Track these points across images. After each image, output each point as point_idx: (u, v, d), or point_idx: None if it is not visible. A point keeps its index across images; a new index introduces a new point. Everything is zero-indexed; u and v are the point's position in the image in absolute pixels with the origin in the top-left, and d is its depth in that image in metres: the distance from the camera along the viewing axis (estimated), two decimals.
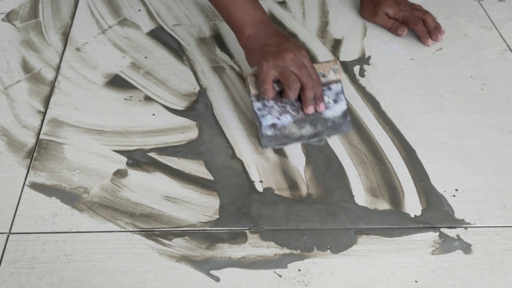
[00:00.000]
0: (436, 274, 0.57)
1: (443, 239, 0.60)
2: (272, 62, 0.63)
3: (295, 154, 0.68)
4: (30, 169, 0.65)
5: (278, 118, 0.66)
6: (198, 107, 0.73)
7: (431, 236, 0.60)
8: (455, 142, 0.71)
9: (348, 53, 0.84)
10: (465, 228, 0.61)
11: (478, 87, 0.79)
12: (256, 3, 0.70)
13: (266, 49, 0.65)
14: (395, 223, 0.61)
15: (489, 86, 0.79)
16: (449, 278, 0.57)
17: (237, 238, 0.59)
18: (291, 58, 0.63)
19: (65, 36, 0.84)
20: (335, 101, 0.68)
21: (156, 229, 0.60)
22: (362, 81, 0.79)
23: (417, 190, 0.65)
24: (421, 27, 0.85)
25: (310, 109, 0.66)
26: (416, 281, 0.56)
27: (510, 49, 0.86)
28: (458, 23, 0.91)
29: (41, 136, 0.69)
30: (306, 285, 0.56)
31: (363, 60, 0.83)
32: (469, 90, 0.79)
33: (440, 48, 0.85)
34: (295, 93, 0.64)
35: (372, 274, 0.57)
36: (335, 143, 0.70)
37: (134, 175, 0.65)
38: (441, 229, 0.61)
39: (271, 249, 0.58)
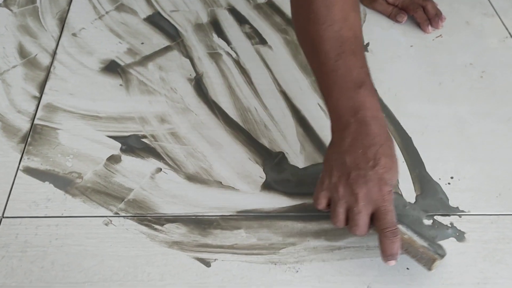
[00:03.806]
0: None
1: (436, 226, 0.60)
2: (332, 185, 0.52)
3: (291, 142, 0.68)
4: (24, 153, 0.65)
5: None
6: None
7: (425, 223, 0.60)
8: (452, 131, 0.70)
9: None
10: (459, 216, 0.61)
11: (478, 75, 0.78)
12: (364, 81, 0.54)
13: (341, 161, 0.52)
14: None
15: (489, 74, 0.78)
16: (441, 266, 0.56)
17: (230, 224, 0.59)
18: (356, 197, 0.50)
19: (62, 22, 0.83)
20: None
21: (148, 214, 0.60)
22: None
23: (412, 178, 0.64)
24: (421, 14, 0.84)
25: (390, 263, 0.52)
26: (407, 268, 0.56)
27: (511, 37, 0.85)
28: (460, 10, 0.90)
29: (36, 121, 0.69)
30: (297, 271, 0.56)
31: None
32: (469, 78, 0.78)
33: (440, 35, 0.84)
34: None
35: (364, 261, 0.56)
36: (327, 129, 0.69)
37: (128, 160, 0.65)
38: (435, 217, 0.60)
39: (263, 236, 0.58)
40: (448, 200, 0.62)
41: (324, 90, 0.56)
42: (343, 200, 0.52)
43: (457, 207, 0.61)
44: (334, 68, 0.54)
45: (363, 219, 0.51)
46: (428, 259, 0.53)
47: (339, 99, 0.53)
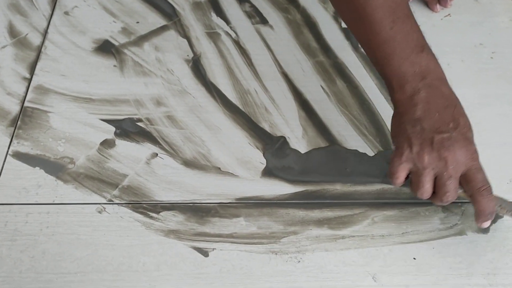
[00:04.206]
0: (436, 251, 0.54)
1: (446, 214, 0.57)
2: (415, 155, 0.50)
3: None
4: (13, 137, 0.63)
5: None
6: None
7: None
8: None
9: None
10: (470, 203, 0.58)
11: (488, 56, 0.75)
12: (423, 44, 0.53)
13: (418, 128, 0.50)
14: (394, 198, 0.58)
15: (499, 55, 0.75)
16: (450, 256, 0.54)
17: (229, 212, 0.57)
18: (445, 162, 0.49)
19: (54, 0, 0.80)
20: None
21: (144, 201, 0.57)
22: None
23: None
24: None
25: None
26: (414, 258, 0.54)
27: None
28: None
29: (26, 104, 0.66)
30: (299, 261, 0.53)
31: None
32: (478, 58, 0.74)
33: (449, 14, 0.81)
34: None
35: (368, 251, 0.54)
36: (334, 113, 0.66)
37: (122, 145, 0.62)
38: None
39: (263, 224, 0.56)
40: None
41: (380, 60, 0.54)
42: (429, 168, 0.49)
43: None
44: (391, 35, 0.52)
45: (454, 184, 0.49)
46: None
47: (401, 65, 0.52)
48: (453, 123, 0.50)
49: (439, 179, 0.50)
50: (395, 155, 0.52)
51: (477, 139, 0.64)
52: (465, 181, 0.50)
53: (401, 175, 0.51)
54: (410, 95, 0.51)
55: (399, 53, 0.52)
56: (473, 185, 0.50)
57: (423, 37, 0.54)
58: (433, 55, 0.54)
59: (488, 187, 0.50)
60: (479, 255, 0.54)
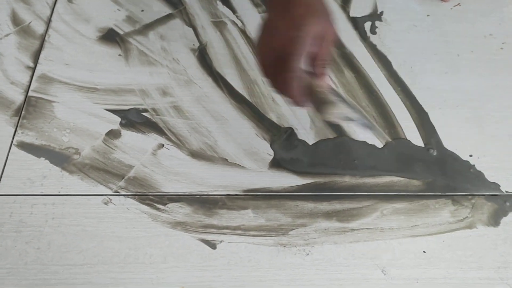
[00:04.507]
0: (446, 244, 0.54)
1: (456, 207, 0.56)
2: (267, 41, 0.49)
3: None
4: (18, 127, 0.62)
5: None
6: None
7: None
8: (471, 105, 0.66)
9: (359, 8, 0.78)
10: (479, 195, 0.57)
11: (498, 46, 0.74)
12: None
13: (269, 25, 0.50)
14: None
15: (509, 45, 0.74)
16: (460, 249, 0.53)
17: (236, 203, 0.56)
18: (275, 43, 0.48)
19: None
20: None
21: (150, 193, 0.57)
22: (373, 38, 0.73)
23: None
24: None
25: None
26: (424, 252, 0.53)
27: None
28: None
29: (30, 93, 0.65)
30: (308, 254, 0.53)
31: (375, 16, 0.77)
32: (488, 49, 0.73)
33: (459, 4, 0.79)
34: None
35: (378, 244, 0.53)
36: None
37: (128, 136, 0.61)
38: (454, 197, 0.57)
39: (271, 216, 0.55)
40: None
41: None
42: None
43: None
44: None
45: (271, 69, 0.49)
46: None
47: None
48: (284, 14, 0.48)
49: None
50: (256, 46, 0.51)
51: (488, 131, 0.63)
52: None
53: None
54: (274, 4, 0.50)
55: None
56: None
57: None
58: None
59: (287, 72, 0.47)
60: (490, 248, 0.53)
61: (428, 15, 0.78)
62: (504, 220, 0.55)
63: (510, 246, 0.54)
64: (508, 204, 0.56)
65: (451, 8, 0.79)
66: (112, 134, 0.61)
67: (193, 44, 0.72)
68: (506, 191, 0.57)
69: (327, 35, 0.49)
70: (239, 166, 0.59)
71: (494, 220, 0.55)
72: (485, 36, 0.75)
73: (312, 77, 0.49)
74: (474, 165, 0.60)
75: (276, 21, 0.49)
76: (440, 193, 0.57)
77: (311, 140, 0.62)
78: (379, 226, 0.55)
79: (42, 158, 0.59)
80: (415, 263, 0.52)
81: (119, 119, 0.63)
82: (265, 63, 0.50)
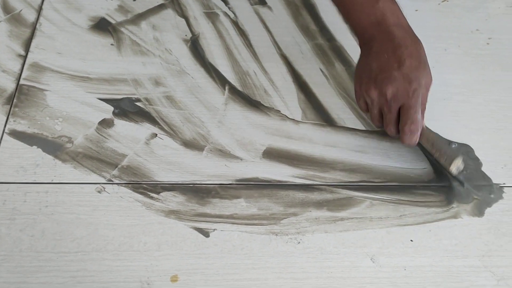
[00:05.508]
0: (432, 233, 0.55)
1: (442, 197, 0.58)
2: (364, 92, 0.57)
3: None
4: (9, 116, 0.61)
5: None
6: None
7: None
8: (458, 99, 0.68)
9: None
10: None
11: (484, 42, 0.75)
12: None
13: (368, 68, 0.56)
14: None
15: (495, 41, 0.75)
16: (446, 238, 0.55)
17: (229, 193, 0.57)
18: (385, 97, 0.54)
19: None
20: None
21: (144, 181, 0.57)
22: None
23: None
24: None
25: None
26: (411, 240, 0.55)
27: None
28: None
29: (22, 82, 0.65)
30: (299, 242, 0.54)
31: None
32: (475, 44, 0.75)
33: (447, 0, 0.81)
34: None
35: (367, 233, 0.55)
36: (333, 96, 0.66)
37: (121, 125, 0.62)
38: (440, 188, 0.59)
39: (264, 205, 0.56)
40: None
41: (346, 15, 0.61)
42: (375, 102, 0.56)
43: None
44: None
45: (391, 117, 0.55)
46: (450, 155, 0.56)
47: (360, 17, 0.58)
48: (398, 64, 0.54)
49: (383, 113, 0.56)
50: (355, 91, 0.59)
51: (474, 124, 0.65)
52: (401, 115, 0.55)
53: (361, 105, 0.59)
54: (367, 42, 0.57)
55: (356, 7, 0.58)
56: (402, 120, 0.55)
57: None
58: (390, 3, 0.57)
59: (413, 123, 0.54)
60: (474, 237, 0.55)
61: (416, 10, 0.79)
62: (488, 210, 0.57)
63: (494, 235, 0.55)
64: (492, 196, 0.58)
65: (439, 4, 0.80)
66: (105, 123, 0.62)
67: (186, 35, 0.72)
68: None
69: (429, 85, 0.56)
70: (232, 155, 0.60)
71: (479, 210, 0.57)
72: (472, 31, 0.77)
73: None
74: None
75: (390, 70, 0.54)
76: (427, 184, 0.59)
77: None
78: (368, 216, 0.56)
79: (35, 147, 0.59)
80: (402, 251, 0.54)
81: (112, 108, 0.63)
82: (368, 102, 0.57)
